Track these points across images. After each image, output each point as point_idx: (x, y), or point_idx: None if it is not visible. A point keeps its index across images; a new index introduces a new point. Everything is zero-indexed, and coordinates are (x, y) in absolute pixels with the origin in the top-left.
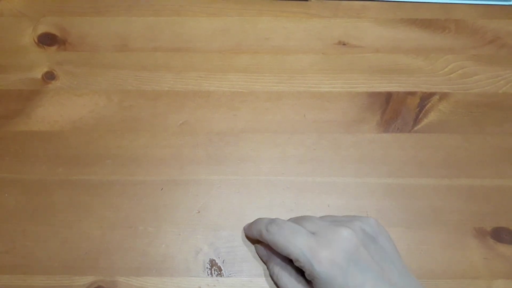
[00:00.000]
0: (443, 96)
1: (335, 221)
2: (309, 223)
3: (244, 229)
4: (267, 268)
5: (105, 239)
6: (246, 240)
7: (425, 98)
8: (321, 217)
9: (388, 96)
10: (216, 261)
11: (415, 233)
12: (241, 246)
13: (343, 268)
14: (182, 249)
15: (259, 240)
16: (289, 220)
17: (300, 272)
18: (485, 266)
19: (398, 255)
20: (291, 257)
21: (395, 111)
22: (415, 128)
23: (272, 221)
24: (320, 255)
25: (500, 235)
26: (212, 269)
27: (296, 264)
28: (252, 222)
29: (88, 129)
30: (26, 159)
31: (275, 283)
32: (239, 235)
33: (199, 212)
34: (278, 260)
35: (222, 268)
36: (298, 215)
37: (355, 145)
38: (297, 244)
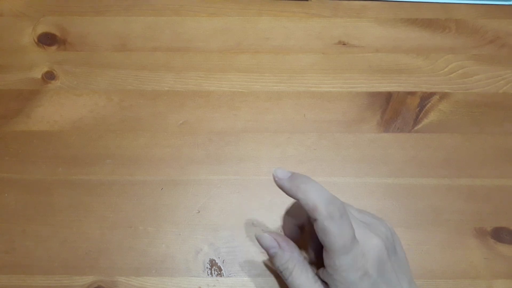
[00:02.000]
0: (443, 96)
1: (363, 220)
2: (350, 218)
3: (281, 177)
4: (275, 262)
5: (105, 239)
6: (246, 240)
7: (425, 98)
8: (345, 204)
9: (388, 96)
10: (216, 261)
11: (415, 233)
12: (241, 246)
13: (373, 279)
14: (182, 249)
15: (259, 231)
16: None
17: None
18: (485, 266)
19: (408, 263)
20: (332, 256)
21: (395, 111)
22: (415, 128)
23: (333, 201)
24: (359, 270)
25: (500, 235)
26: (212, 269)
27: (331, 265)
28: (307, 182)
29: (88, 129)
30: (26, 159)
31: (286, 279)
32: (239, 235)
33: (199, 212)
34: (296, 253)
35: (222, 268)
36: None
37: (355, 145)
38: (350, 253)
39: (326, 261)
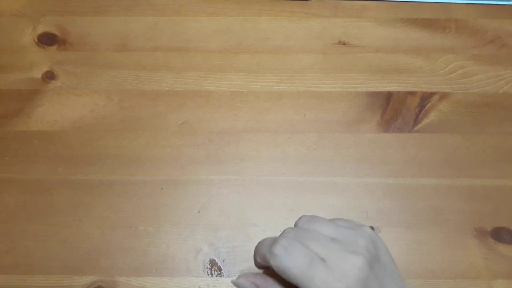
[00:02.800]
0: (443, 96)
1: (338, 237)
2: (316, 244)
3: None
4: None
5: (105, 239)
6: (246, 240)
7: (425, 98)
8: (315, 220)
9: (388, 96)
10: (216, 261)
11: (415, 233)
12: (241, 246)
13: None
14: (182, 249)
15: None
16: (287, 231)
17: None
18: (485, 266)
19: (394, 264)
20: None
21: (395, 111)
22: (415, 128)
23: (276, 241)
24: None
25: (500, 235)
26: (212, 269)
27: None
28: (256, 246)
29: (88, 129)
30: (26, 159)
31: None
32: (239, 235)
33: (199, 212)
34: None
35: (222, 268)
36: (298, 215)
37: (355, 145)
38: (312, 277)
39: None
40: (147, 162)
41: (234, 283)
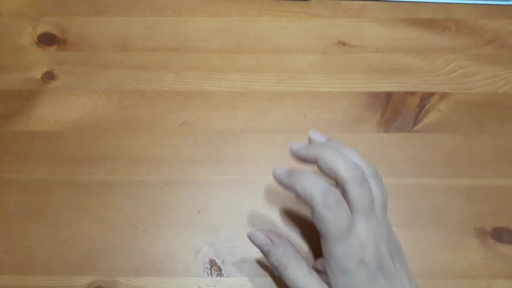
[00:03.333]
0: (443, 96)
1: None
2: (367, 205)
3: (279, 174)
4: (269, 258)
5: (105, 239)
6: (246, 240)
7: (425, 98)
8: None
9: (388, 96)
10: (216, 261)
11: (415, 233)
12: (241, 246)
13: (370, 266)
14: (182, 249)
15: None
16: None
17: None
18: (485, 266)
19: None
20: (329, 244)
21: (395, 111)
22: (415, 128)
23: (330, 190)
24: (356, 257)
25: (500, 235)
26: (212, 269)
27: (328, 251)
28: (303, 175)
29: (88, 129)
30: (26, 159)
31: (282, 275)
32: (239, 235)
33: (199, 212)
34: (290, 248)
35: (222, 268)
36: (298, 215)
37: (355, 145)
38: (346, 239)
39: (323, 248)
40: (147, 162)
41: (249, 235)
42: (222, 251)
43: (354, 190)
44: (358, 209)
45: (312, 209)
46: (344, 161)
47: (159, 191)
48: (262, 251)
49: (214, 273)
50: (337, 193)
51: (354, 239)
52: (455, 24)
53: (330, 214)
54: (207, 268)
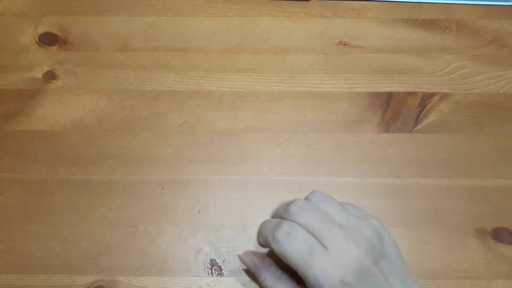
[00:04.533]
0: (444, 96)
1: (347, 225)
2: (322, 228)
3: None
4: (258, 279)
5: (105, 239)
6: (247, 240)
7: (426, 98)
8: (328, 200)
9: (388, 96)
10: (217, 261)
11: (415, 233)
12: (242, 246)
13: (352, 285)
14: (182, 249)
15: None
16: (297, 203)
17: (296, 281)
18: (485, 266)
19: (401, 259)
20: (302, 275)
21: (396, 111)
22: (416, 128)
23: (279, 226)
24: (333, 279)
25: (500, 235)
26: (213, 269)
27: (306, 283)
28: (260, 226)
29: (89, 129)
30: (27, 159)
31: None
32: (239, 235)
33: (199, 212)
34: (271, 271)
35: (222, 267)
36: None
37: (355, 145)
38: (311, 265)
39: (303, 278)
40: (148, 162)
41: (239, 257)
42: (223, 251)
43: (296, 217)
44: (319, 229)
45: (272, 250)
46: (271, 227)
47: (159, 191)
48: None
49: (215, 272)
50: (287, 224)
51: (324, 264)
52: (455, 25)
53: (284, 246)
54: (207, 267)
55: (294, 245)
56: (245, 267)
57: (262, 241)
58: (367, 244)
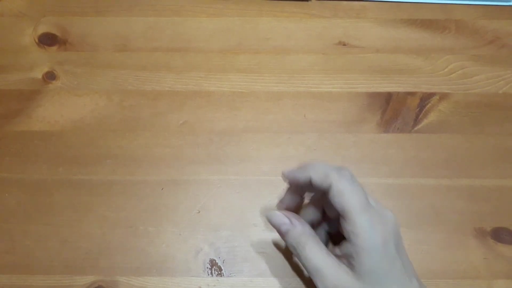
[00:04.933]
0: (443, 96)
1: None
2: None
3: (287, 173)
4: (288, 238)
5: (105, 239)
6: (247, 240)
7: (425, 98)
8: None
9: (388, 96)
10: (216, 261)
11: (415, 233)
12: (242, 246)
13: (391, 248)
14: (182, 249)
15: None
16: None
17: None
18: (485, 266)
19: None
20: (351, 217)
21: (395, 111)
22: (415, 128)
23: (341, 167)
24: (378, 234)
25: (500, 235)
26: (212, 269)
27: (343, 224)
28: (308, 165)
29: (89, 129)
30: (27, 159)
31: (298, 256)
32: (239, 235)
33: (199, 212)
34: (307, 229)
35: (222, 268)
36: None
37: (355, 145)
38: (367, 213)
39: (346, 227)
40: (148, 162)
41: (268, 215)
42: (223, 251)
43: (348, 186)
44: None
45: (330, 187)
46: (331, 167)
47: (159, 191)
48: (280, 232)
49: (215, 273)
50: (349, 170)
51: (375, 214)
52: (455, 25)
53: (349, 186)
54: (207, 268)
55: (356, 187)
56: (245, 268)
57: (317, 178)
58: (396, 219)
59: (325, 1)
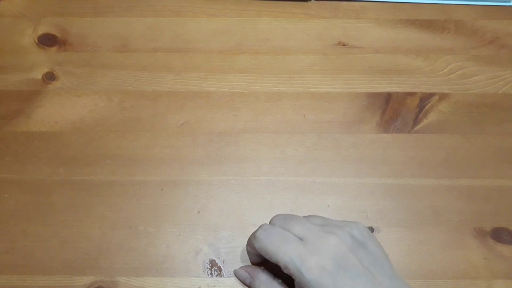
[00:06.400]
0: (443, 96)
1: (324, 225)
2: (298, 226)
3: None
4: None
5: (105, 239)
6: (246, 240)
7: (425, 98)
8: (309, 217)
9: (387, 97)
10: (216, 261)
11: (415, 233)
12: (241, 247)
13: (333, 274)
14: (182, 249)
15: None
16: (276, 217)
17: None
18: (485, 266)
19: (388, 259)
20: (280, 264)
21: (395, 111)
22: (415, 129)
23: (260, 227)
24: (309, 262)
25: (500, 235)
26: (212, 269)
27: (285, 271)
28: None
29: (88, 130)
30: (27, 160)
31: None
32: (239, 236)
33: (199, 212)
34: (263, 278)
35: (222, 268)
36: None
37: (355, 146)
38: (286, 251)
39: (287, 272)
40: (147, 162)
41: (234, 272)
42: (222, 251)
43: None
44: (295, 226)
45: (256, 248)
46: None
47: (159, 191)
48: (246, 285)
49: (214, 273)
50: (266, 225)
51: (299, 248)
52: (454, 25)
53: (262, 239)
54: (207, 268)
55: (270, 238)
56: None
57: (250, 249)
58: (343, 234)
59: (324, 1)
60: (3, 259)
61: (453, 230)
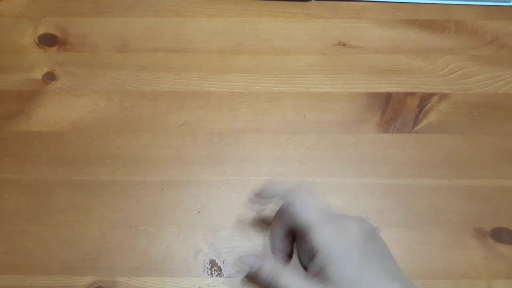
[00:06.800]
0: (443, 96)
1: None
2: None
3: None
4: (262, 275)
5: (105, 239)
6: (246, 240)
7: (425, 98)
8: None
9: (388, 97)
10: (216, 261)
11: (415, 233)
12: (241, 247)
13: (355, 253)
14: (182, 249)
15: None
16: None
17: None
18: (485, 266)
19: (390, 254)
20: (310, 235)
21: (395, 111)
22: (415, 129)
23: (293, 187)
24: (337, 241)
25: (500, 235)
26: (212, 269)
27: (311, 243)
28: (268, 186)
29: (88, 130)
30: (27, 159)
31: (277, 285)
32: (239, 235)
33: (199, 212)
34: (273, 262)
35: (222, 268)
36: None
37: (355, 146)
38: (324, 228)
39: (309, 244)
40: (147, 162)
41: (240, 258)
42: (222, 251)
43: (308, 201)
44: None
45: (293, 202)
46: (294, 183)
47: (159, 191)
48: (252, 270)
49: (214, 273)
50: (309, 185)
51: (335, 227)
52: (454, 25)
53: (310, 201)
54: (207, 268)
55: (316, 202)
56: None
57: (281, 193)
58: (362, 221)
59: (324, 1)
60: (3, 259)
61: (453, 230)
